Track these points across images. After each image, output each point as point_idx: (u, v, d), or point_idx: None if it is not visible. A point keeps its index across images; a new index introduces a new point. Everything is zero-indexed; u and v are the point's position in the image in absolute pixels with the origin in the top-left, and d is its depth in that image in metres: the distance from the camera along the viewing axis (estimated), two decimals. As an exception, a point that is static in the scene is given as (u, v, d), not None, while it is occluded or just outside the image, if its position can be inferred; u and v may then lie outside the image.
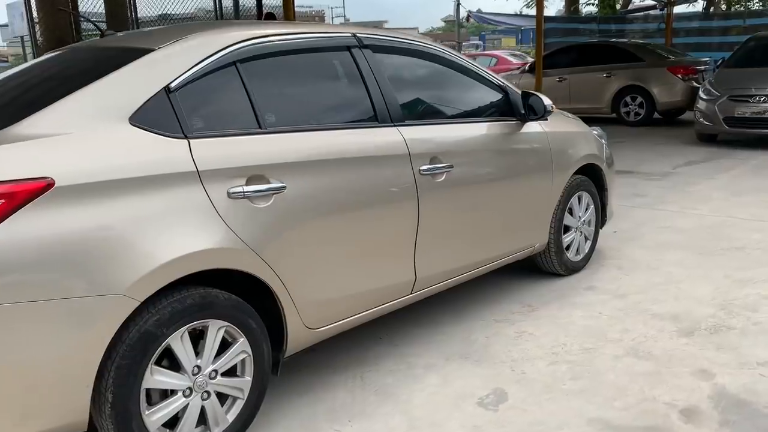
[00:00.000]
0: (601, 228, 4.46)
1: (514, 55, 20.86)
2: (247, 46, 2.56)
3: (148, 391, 2.18)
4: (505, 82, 3.66)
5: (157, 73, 2.31)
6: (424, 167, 2.96)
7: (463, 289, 3.82)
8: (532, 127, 3.69)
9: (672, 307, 3.62)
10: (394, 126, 2.92)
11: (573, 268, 4.16)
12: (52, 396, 1.97)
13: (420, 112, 3.22)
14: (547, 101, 3.59)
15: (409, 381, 2.91)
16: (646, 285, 3.97)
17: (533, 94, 3.58)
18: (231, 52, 2.50)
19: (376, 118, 2.89)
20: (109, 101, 2.19)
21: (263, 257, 2.38)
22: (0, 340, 1.85)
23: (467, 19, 28.73)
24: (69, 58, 2.68)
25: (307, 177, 2.53)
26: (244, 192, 2.33)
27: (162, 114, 2.25)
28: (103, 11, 10.32)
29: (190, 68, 2.37)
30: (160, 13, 11.03)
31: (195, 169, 2.23)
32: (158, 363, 2.19)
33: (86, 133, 2.10)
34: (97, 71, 2.31)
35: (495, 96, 3.58)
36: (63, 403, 1.99)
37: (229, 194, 2.30)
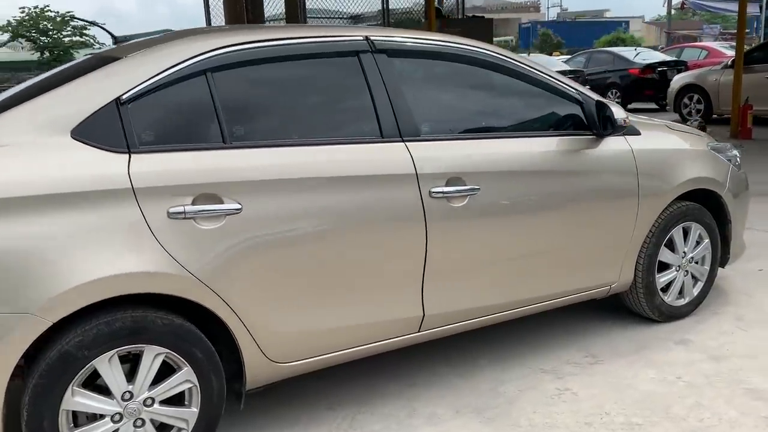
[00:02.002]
0: (721, 267, 3.64)
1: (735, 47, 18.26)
2: (223, 54, 2.38)
3: (74, 413, 2.12)
4: (583, 90, 3.08)
5: (110, 84, 2.22)
6: (437, 189, 2.57)
7: (519, 325, 3.32)
8: (612, 143, 3.06)
9: (781, 383, 2.81)
10: (402, 141, 2.57)
11: (671, 314, 3.43)
12: (-42, 408, 1.98)
13: (444, 125, 2.78)
14: (620, 113, 2.96)
15: (399, 432, 2.57)
16: (765, 347, 3.13)
17: (606, 104, 2.96)
18: (201, 60, 2.33)
19: (379, 133, 2.56)
20: (54, 113, 2.14)
21: (207, 283, 2.20)
22: None
23: (681, 6, 25.93)
24: (70, 66, 2.70)
25: (271, 197, 2.30)
26: (185, 212, 2.16)
27: (107, 127, 2.16)
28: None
29: (148, 79, 2.25)
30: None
31: (130, 186, 2.11)
32: (90, 385, 2.13)
33: (21, 146, 2.07)
34: (63, 81, 2.28)
35: (561, 106, 3.02)
36: (-31, 416, 2.00)
37: (168, 214, 2.15)
